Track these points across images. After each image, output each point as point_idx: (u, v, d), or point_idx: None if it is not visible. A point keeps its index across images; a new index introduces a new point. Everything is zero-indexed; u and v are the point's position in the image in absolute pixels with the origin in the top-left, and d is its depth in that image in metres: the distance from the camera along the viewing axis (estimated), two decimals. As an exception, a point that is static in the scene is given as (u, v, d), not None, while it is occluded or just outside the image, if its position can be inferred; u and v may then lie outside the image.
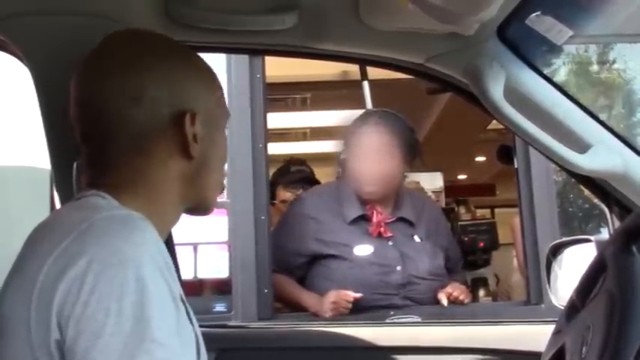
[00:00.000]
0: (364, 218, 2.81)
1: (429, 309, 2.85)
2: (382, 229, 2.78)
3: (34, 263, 1.05)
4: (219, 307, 3.10)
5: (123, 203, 1.16)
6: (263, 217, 3.10)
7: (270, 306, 3.04)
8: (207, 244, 3.14)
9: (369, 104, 3.80)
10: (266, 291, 3.03)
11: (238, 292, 3.06)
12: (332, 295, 2.67)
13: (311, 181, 3.93)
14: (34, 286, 1.02)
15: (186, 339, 1.09)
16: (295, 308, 2.91)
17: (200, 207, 1.30)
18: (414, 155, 2.89)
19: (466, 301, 2.87)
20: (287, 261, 2.90)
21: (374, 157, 2.78)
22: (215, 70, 1.35)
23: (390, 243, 2.79)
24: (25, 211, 3.24)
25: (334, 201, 2.88)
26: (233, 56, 3.05)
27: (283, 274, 2.92)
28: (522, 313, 3.13)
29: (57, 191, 1.56)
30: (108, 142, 1.21)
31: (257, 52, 1.85)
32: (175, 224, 1.29)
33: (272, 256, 2.99)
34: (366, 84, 3.82)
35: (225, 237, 3.17)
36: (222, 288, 3.15)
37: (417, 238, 2.85)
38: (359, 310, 2.69)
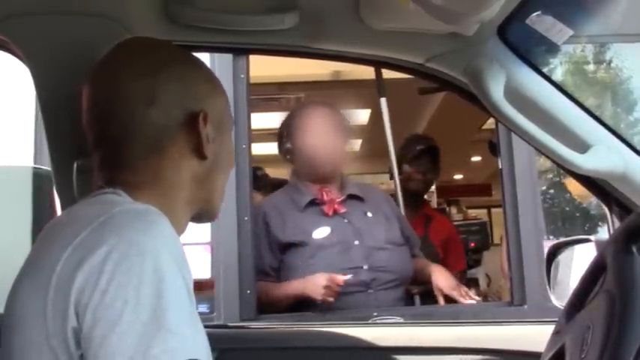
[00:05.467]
0: (316, 203, 2.89)
1: (413, 310, 2.86)
2: (336, 206, 2.87)
3: (51, 256, 1.06)
4: (202, 308, 3.10)
5: (137, 201, 1.19)
6: (246, 218, 3.11)
7: (253, 307, 3.05)
8: (189, 244, 3.14)
9: (384, 111, 3.82)
10: (248, 292, 3.03)
11: (221, 293, 3.07)
12: (323, 279, 2.68)
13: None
14: (50, 276, 1.04)
15: (200, 330, 1.10)
16: (283, 306, 2.86)
17: (206, 212, 1.34)
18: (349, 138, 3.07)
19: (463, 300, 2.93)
20: (262, 263, 2.91)
21: (328, 136, 2.90)
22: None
23: (345, 220, 2.87)
24: (7, 211, 3.25)
25: (286, 198, 2.98)
26: (216, 56, 3.06)
27: (263, 280, 2.91)
28: (506, 314, 3.14)
29: (57, 191, 1.56)
30: (122, 144, 1.24)
31: (257, 52, 1.85)
32: (184, 230, 1.31)
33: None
34: (383, 100, 3.87)
35: (207, 238, 3.18)
36: (204, 289, 3.15)
37: (369, 214, 2.93)
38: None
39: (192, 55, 1.36)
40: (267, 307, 2.96)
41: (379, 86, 3.91)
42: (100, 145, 1.26)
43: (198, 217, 1.34)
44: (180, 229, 1.28)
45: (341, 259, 2.77)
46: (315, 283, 2.70)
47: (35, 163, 3.87)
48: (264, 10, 1.52)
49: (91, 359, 0.99)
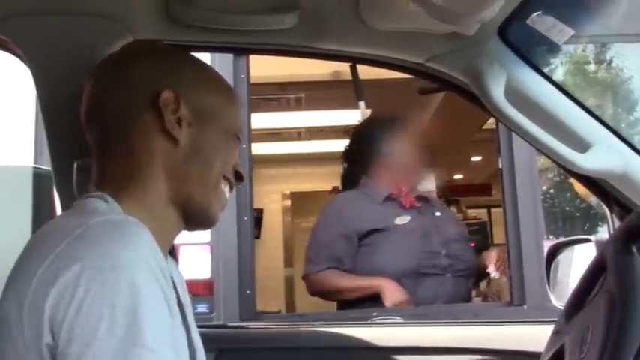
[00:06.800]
0: (392, 198, 3.08)
1: (413, 310, 2.88)
2: (412, 200, 3.09)
3: (31, 267, 1.05)
4: (201, 308, 3.11)
5: (122, 205, 1.17)
6: (246, 218, 3.14)
7: (252, 307, 3.06)
8: (189, 245, 3.14)
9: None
10: (248, 292, 3.05)
11: (220, 293, 3.08)
12: (402, 293, 2.86)
13: None
14: (28, 289, 1.02)
15: (179, 347, 1.09)
16: (351, 296, 2.96)
17: (196, 215, 1.28)
18: None
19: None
20: (336, 252, 3.01)
21: (417, 146, 3.19)
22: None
23: (420, 213, 3.08)
24: (7, 210, 3.25)
25: (359, 195, 3.16)
26: (217, 56, 3.06)
27: (332, 269, 3.01)
28: (505, 314, 3.16)
29: (57, 191, 1.56)
30: (97, 134, 1.26)
31: (257, 51, 1.85)
32: (175, 232, 1.29)
33: (316, 257, 3.04)
34: (362, 103, 3.97)
35: (207, 238, 3.18)
36: (204, 289, 3.16)
37: (437, 213, 3.16)
38: (415, 275, 2.91)
39: (186, 52, 1.38)
40: (329, 295, 3.07)
41: (357, 89, 3.98)
42: (89, 137, 1.28)
43: (191, 222, 1.29)
44: (169, 235, 1.27)
45: (422, 243, 2.97)
46: (393, 290, 2.87)
47: (35, 163, 3.88)
48: (264, 10, 1.52)
49: None
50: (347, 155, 3.31)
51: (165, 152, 1.23)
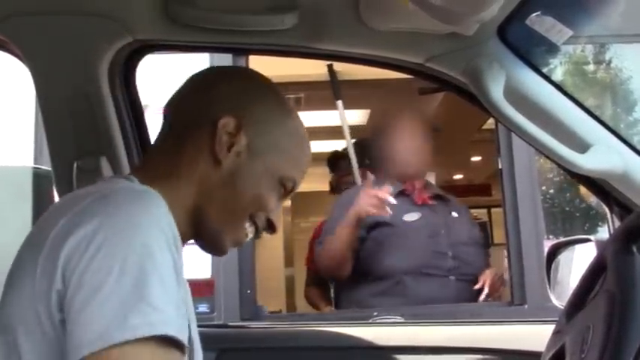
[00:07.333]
0: (405, 194, 3.06)
1: (413, 309, 2.88)
2: (425, 197, 3.06)
3: (51, 221, 1.09)
4: (202, 308, 3.12)
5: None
6: None
7: (253, 306, 3.05)
8: (189, 244, 3.14)
9: (341, 113, 3.94)
10: (248, 292, 3.05)
11: (221, 293, 3.08)
12: (369, 191, 2.86)
13: None
14: (46, 238, 1.06)
15: (183, 315, 1.10)
16: (348, 246, 2.95)
17: (206, 236, 1.33)
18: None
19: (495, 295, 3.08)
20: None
21: (422, 140, 3.13)
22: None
23: (433, 212, 3.05)
24: (7, 211, 3.26)
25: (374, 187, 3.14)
26: (216, 56, 3.07)
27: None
28: (506, 314, 3.15)
29: (57, 191, 1.56)
30: (165, 125, 1.33)
31: (257, 52, 1.85)
32: (183, 239, 1.29)
33: (324, 239, 3.02)
34: (340, 103, 3.99)
35: None
36: (204, 289, 3.16)
37: (454, 214, 3.11)
38: (416, 275, 2.88)
39: (276, 88, 1.43)
40: (334, 260, 3.02)
41: (334, 88, 3.99)
42: (163, 125, 1.34)
43: (200, 242, 1.34)
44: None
45: (429, 242, 2.94)
46: (362, 201, 2.85)
47: (35, 163, 3.88)
48: (264, 10, 1.52)
49: (71, 324, 1.00)
50: (360, 159, 3.38)
51: (206, 168, 1.28)
